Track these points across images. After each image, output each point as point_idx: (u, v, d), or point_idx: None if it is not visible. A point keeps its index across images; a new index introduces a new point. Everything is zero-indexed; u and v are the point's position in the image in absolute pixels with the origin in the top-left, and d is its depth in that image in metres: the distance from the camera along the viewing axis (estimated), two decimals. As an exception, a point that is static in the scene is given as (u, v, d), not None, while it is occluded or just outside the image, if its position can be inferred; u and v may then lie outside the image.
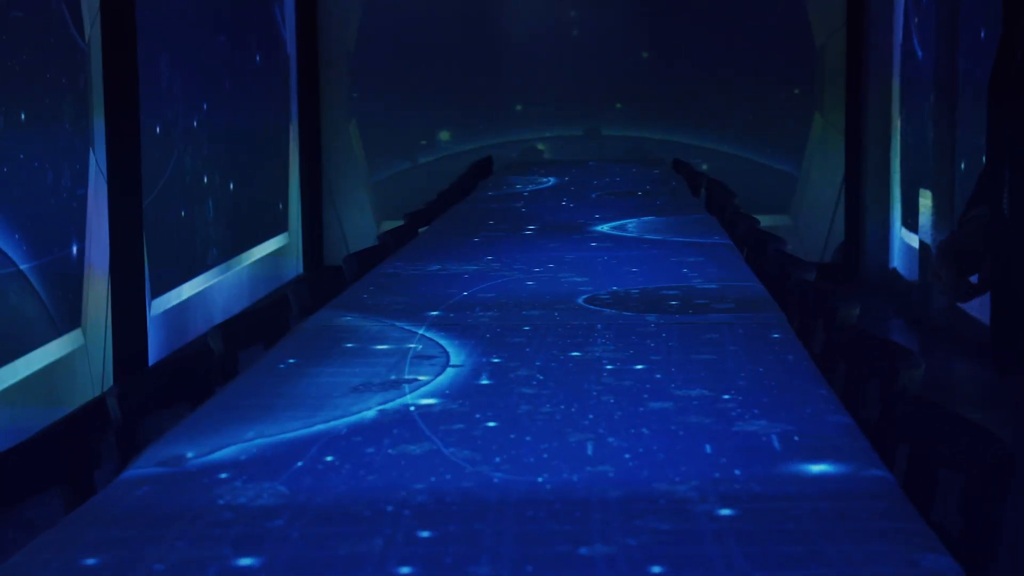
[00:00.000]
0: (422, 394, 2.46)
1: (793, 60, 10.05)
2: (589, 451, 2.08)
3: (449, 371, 2.64)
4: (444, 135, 10.27)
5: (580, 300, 3.47)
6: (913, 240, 8.92)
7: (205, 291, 7.79)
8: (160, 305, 7.01)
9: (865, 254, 9.95)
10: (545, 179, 7.22)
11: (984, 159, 2.24)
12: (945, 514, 2.04)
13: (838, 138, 10.09)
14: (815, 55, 10.05)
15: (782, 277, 3.91)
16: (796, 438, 2.13)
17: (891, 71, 9.68)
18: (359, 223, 10.32)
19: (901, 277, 9.35)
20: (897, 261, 9.56)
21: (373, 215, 10.32)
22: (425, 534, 1.72)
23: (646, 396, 2.43)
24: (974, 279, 2.31)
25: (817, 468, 1.97)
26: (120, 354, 6.37)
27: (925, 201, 8.34)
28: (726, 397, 2.41)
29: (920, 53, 8.75)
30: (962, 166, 7.95)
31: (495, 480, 1.95)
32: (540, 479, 1.94)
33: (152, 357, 6.78)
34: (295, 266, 9.96)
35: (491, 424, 2.24)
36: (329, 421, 2.28)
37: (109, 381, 6.29)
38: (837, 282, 9.56)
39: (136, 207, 6.49)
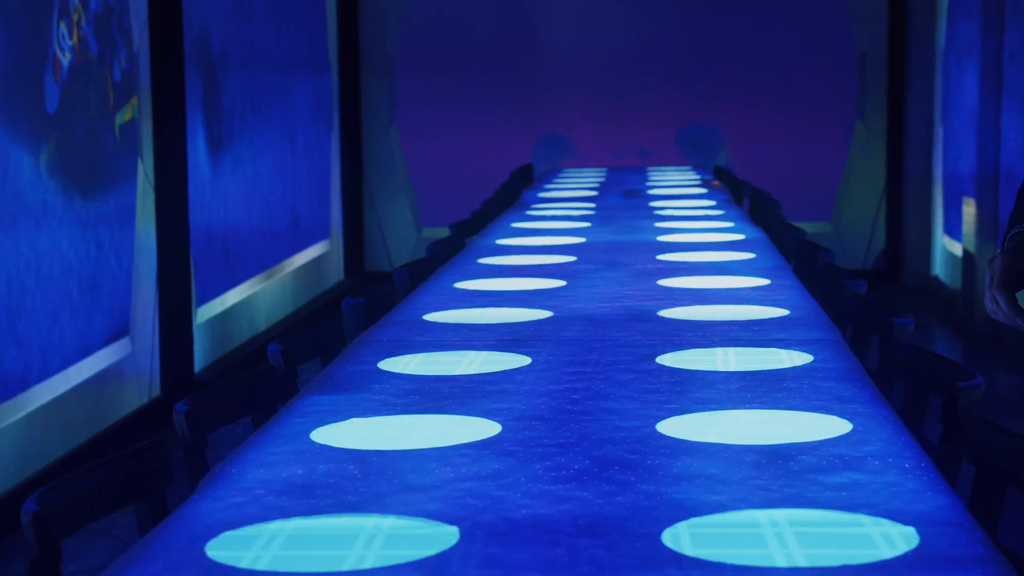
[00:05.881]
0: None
1: (835, 66, 10.03)
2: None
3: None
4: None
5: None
6: (955, 247, 8.89)
7: (249, 298, 7.84)
8: (205, 312, 7.06)
9: (906, 261, 9.92)
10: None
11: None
12: (1014, 536, 2.04)
13: (880, 144, 10.06)
14: (857, 61, 10.03)
15: (834, 290, 3.92)
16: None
17: (933, 77, 9.65)
18: (400, 229, 10.36)
19: (943, 284, 9.32)
20: (939, 268, 9.52)
21: (414, 221, 10.36)
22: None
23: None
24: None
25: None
26: (167, 361, 6.42)
27: (968, 209, 8.32)
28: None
29: (963, 59, 8.72)
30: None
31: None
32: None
33: (198, 364, 6.83)
34: (336, 272, 10.00)
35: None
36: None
37: (156, 389, 6.34)
38: (878, 289, 9.53)
39: (183, 215, 6.54)
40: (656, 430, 2.35)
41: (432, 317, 3.56)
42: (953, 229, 9.01)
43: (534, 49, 10.26)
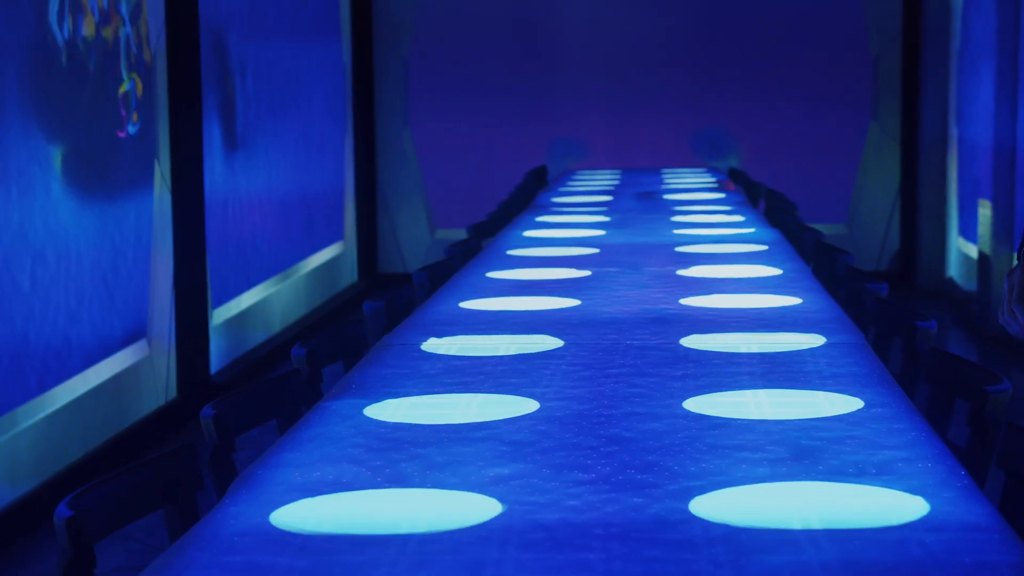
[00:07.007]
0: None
1: (849, 68, 10.02)
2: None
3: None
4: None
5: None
6: (970, 249, 8.87)
7: (264, 300, 7.85)
8: (221, 314, 7.07)
9: (921, 263, 9.90)
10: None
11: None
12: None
13: (894, 146, 10.05)
14: (871, 63, 10.02)
15: (856, 293, 3.91)
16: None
17: (948, 78, 9.64)
18: (414, 231, 10.36)
19: (958, 286, 9.30)
20: (954, 270, 9.50)
21: (428, 223, 10.36)
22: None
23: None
24: None
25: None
26: (184, 363, 6.43)
27: (984, 211, 8.30)
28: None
29: (978, 60, 8.71)
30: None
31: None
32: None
33: (214, 366, 6.83)
34: (350, 274, 10.01)
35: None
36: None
37: (173, 391, 6.35)
38: (892, 291, 9.50)
39: (199, 217, 6.55)
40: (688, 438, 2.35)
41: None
42: (968, 231, 9.00)
43: (547, 51, 10.25)
